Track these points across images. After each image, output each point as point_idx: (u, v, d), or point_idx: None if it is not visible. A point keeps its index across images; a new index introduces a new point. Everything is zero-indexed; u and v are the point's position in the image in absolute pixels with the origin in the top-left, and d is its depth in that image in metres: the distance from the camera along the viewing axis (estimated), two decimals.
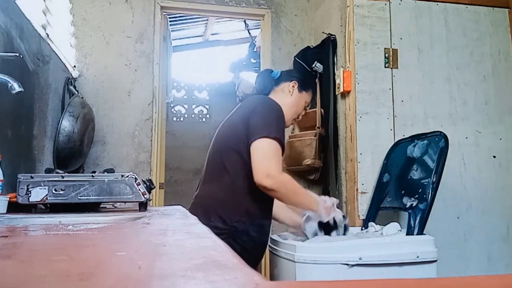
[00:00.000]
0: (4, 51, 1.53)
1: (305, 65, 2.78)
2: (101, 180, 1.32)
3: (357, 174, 2.27)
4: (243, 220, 1.47)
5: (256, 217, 1.52)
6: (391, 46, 2.40)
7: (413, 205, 1.80)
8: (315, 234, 1.59)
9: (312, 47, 2.89)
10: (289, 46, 3.07)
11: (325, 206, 1.56)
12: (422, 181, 1.82)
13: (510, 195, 2.43)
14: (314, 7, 3.12)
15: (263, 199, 1.51)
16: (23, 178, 1.29)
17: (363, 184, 2.26)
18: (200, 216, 1.33)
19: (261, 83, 1.73)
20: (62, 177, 1.32)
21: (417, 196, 1.81)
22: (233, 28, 4.96)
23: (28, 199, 1.27)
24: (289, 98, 1.68)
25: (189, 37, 5.21)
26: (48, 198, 1.28)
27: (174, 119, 5.52)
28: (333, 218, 1.59)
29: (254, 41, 4.75)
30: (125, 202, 1.40)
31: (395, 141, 2.26)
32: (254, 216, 1.51)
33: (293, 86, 1.69)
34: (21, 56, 1.63)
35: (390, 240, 1.69)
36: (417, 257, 1.58)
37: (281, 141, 1.45)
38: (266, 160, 1.40)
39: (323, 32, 2.73)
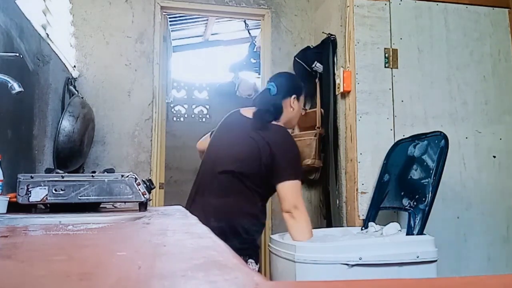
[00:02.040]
0: (4, 51, 1.53)
1: (305, 65, 2.78)
2: (101, 180, 1.32)
3: (357, 174, 2.27)
4: (256, 230, 1.68)
5: (260, 232, 1.74)
6: (391, 46, 2.40)
7: (413, 205, 1.80)
8: None
9: (312, 47, 2.89)
10: (289, 46, 3.07)
11: None
12: (422, 181, 1.82)
13: (510, 195, 2.43)
14: (314, 7, 3.12)
15: (264, 218, 1.73)
16: (23, 178, 1.29)
17: (363, 184, 2.26)
18: (225, 228, 1.56)
19: (267, 105, 1.76)
20: (62, 177, 1.32)
21: (417, 196, 1.80)
22: (233, 28, 4.96)
23: (28, 199, 1.27)
24: (292, 112, 1.80)
25: (189, 37, 5.21)
26: (48, 198, 1.28)
27: (174, 119, 5.52)
28: None
29: (254, 41, 4.75)
30: (125, 202, 1.40)
31: (395, 141, 2.26)
32: (260, 230, 1.72)
33: (293, 102, 1.79)
34: (21, 56, 1.63)
35: (390, 240, 1.69)
36: (417, 257, 1.58)
37: (302, 180, 1.69)
38: (295, 195, 1.63)
39: (323, 32, 2.73)
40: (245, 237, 1.60)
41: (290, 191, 1.63)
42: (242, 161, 1.66)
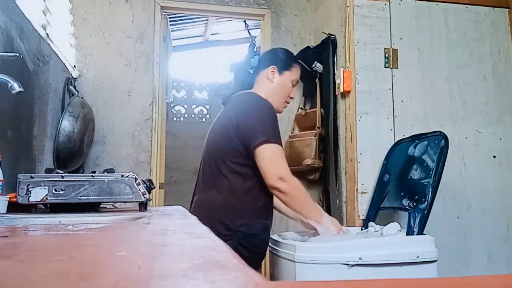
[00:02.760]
0: (4, 51, 1.53)
1: (305, 65, 2.78)
2: (101, 180, 1.32)
3: (357, 174, 2.27)
4: (246, 222, 1.47)
5: (258, 217, 1.52)
6: (391, 46, 2.40)
7: (413, 205, 1.80)
8: None
9: (312, 47, 2.89)
10: (289, 46, 3.07)
11: (331, 227, 1.56)
12: (422, 181, 1.82)
13: (510, 195, 2.43)
14: (314, 7, 3.12)
15: (262, 199, 1.52)
16: (23, 178, 1.29)
17: (363, 184, 2.26)
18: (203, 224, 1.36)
19: (239, 78, 1.68)
20: (62, 177, 1.32)
21: (417, 196, 1.80)
22: (233, 28, 4.96)
23: (28, 199, 1.27)
24: (271, 85, 1.63)
25: (189, 37, 5.21)
26: (48, 198, 1.28)
27: (174, 119, 5.52)
28: None
29: (254, 41, 4.75)
30: (125, 202, 1.40)
31: (395, 141, 2.26)
32: (256, 216, 1.51)
33: (272, 72, 1.63)
34: (21, 56, 1.63)
35: (390, 240, 1.69)
36: (417, 257, 1.58)
37: (281, 143, 1.47)
38: (275, 164, 1.43)
39: (323, 32, 2.73)
40: (228, 233, 1.43)
41: (267, 158, 1.42)
42: (215, 144, 1.53)
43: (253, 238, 1.49)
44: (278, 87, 1.64)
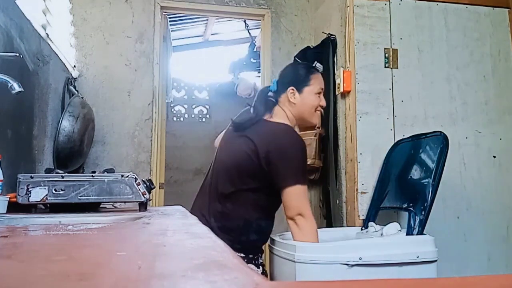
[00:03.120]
0: (4, 51, 1.53)
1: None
2: (101, 180, 1.32)
3: (357, 174, 2.27)
4: (257, 237, 1.59)
5: (266, 232, 1.65)
6: (391, 46, 2.40)
7: (413, 205, 1.80)
8: None
9: (312, 47, 2.89)
10: (289, 46, 3.07)
11: None
12: (422, 181, 1.82)
13: (510, 195, 2.43)
14: (314, 7, 3.12)
15: (272, 216, 1.65)
16: (23, 178, 1.29)
17: (363, 184, 2.26)
18: (215, 232, 1.42)
19: (260, 105, 1.66)
20: (62, 177, 1.32)
21: (417, 196, 1.80)
22: (233, 28, 4.96)
23: (28, 199, 1.27)
24: (295, 107, 1.63)
25: (189, 37, 5.21)
26: (48, 198, 1.28)
27: (174, 119, 5.52)
28: None
29: (254, 41, 4.75)
30: (125, 202, 1.40)
31: (395, 141, 2.26)
32: (265, 232, 1.64)
33: (292, 93, 1.62)
34: (21, 56, 1.63)
35: (390, 240, 1.69)
36: (417, 257, 1.58)
37: (307, 182, 1.55)
38: (299, 202, 1.51)
39: (323, 32, 2.73)
40: (238, 246, 1.53)
41: (291, 198, 1.50)
42: (237, 162, 1.56)
43: (257, 248, 1.62)
44: (302, 106, 1.63)
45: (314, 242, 1.53)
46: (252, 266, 1.54)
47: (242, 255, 1.53)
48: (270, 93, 1.68)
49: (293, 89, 1.62)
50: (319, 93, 1.65)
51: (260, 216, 1.58)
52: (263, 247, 1.67)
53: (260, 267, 1.59)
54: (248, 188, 1.55)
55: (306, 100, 1.63)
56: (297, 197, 1.50)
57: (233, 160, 1.59)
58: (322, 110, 2.64)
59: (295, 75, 1.68)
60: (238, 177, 1.55)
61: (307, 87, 1.63)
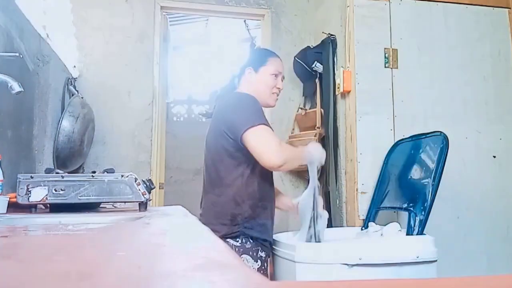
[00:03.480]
0: (4, 51, 1.53)
1: (305, 65, 2.78)
2: (101, 180, 1.32)
3: (357, 174, 2.27)
4: (250, 212, 1.54)
5: (259, 204, 1.57)
6: (391, 46, 2.40)
7: (413, 205, 1.80)
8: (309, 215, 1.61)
9: (312, 47, 2.89)
10: (289, 46, 3.07)
11: (309, 149, 1.62)
12: (422, 181, 1.82)
13: (510, 195, 2.43)
14: (314, 7, 3.12)
15: (261, 184, 1.58)
16: (23, 178, 1.29)
17: (363, 184, 2.26)
18: (211, 222, 1.45)
19: (225, 89, 1.78)
20: (62, 177, 1.32)
21: (417, 196, 1.80)
22: (233, 28, 4.96)
23: (28, 199, 1.27)
24: (251, 85, 1.68)
25: (189, 37, 5.21)
26: (48, 198, 1.28)
27: (174, 119, 5.52)
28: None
29: (254, 41, 4.75)
30: (125, 202, 1.40)
31: (395, 141, 2.26)
32: (257, 204, 1.56)
33: (249, 73, 1.69)
34: (21, 56, 1.63)
35: (390, 240, 1.69)
36: (417, 257, 1.58)
37: (266, 124, 1.50)
38: (264, 144, 1.47)
39: (323, 32, 2.73)
40: (235, 229, 1.51)
41: (255, 142, 1.46)
42: (212, 145, 1.61)
43: (259, 226, 1.55)
44: (258, 85, 1.68)
45: (294, 158, 1.54)
46: (248, 257, 1.52)
47: (238, 243, 1.51)
48: (235, 79, 1.76)
49: (250, 69, 1.70)
50: (276, 75, 1.70)
51: (250, 195, 1.55)
52: (266, 243, 1.60)
53: (259, 261, 1.54)
54: (228, 168, 1.55)
55: (262, 78, 1.68)
56: (258, 139, 1.46)
57: (209, 150, 1.63)
58: (322, 111, 2.65)
59: (253, 56, 1.79)
60: (217, 162, 1.57)
61: (263, 67, 1.69)
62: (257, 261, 1.55)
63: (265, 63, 1.70)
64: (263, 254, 1.57)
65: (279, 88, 1.71)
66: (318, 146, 1.64)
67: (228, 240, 1.51)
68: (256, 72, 1.69)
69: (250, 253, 1.53)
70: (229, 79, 1.79)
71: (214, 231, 1.43)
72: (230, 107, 1.57)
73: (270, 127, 1.53)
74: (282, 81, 1.72)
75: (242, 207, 1.53)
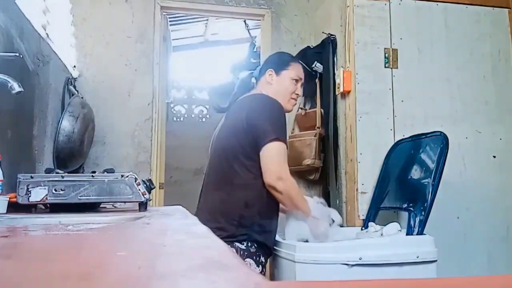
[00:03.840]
0: (4, 51, 1.53)
1: (305, 65, 2.78)
2: (101, 180, 1.32)
3: (357, 174, 2.27)
4: (259, 219, 1.53)
5: (270, 213, 1.57)
6: (391, 46, 2.40)
7: (413, 205, 1.80)
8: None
9: (312, 47, 2.89)
10: (289, 46, 3.07)
11: (315, 224, 1.59)
12: (422, 181, 1.82)
13: (510, 195, 2.43)
14: (314, 7, 3.12)
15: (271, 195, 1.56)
16: (23, 178, 1.29)
17: (363, 184, 2.26)
18: (218, 220, 1.45)
19: (242, 88, 1.76)
20: (62, 177, 1.32)
21: (417, 196, 1.80)
22: (233, 28, 4.96)
23: (28, 199, 1.27)
24: (272, 87, 1.68)
25: (189, 37, 5.21)
26: (48, 198, 1.28)
27: (174, 119, 5.52)
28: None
29: (254, 41, 4.75)
30: (125, 202, 1.40)
31: (395, 141, 2.26)
32: (268, 212, 1.56)
33: (270, 75, 1.69)
34: (21, 56, 1.63)
35: (390, 240, 1.69)
36: (417, 257, 1.58)
37: (286, 143, 1.53)
38: (278, 163, 1.49)
39: (323, 32, 2.73)
40: (242, 231, 1.50)
41: (272, 156, 1.47)
42: (228, 142, 1.59)
43: (266, 233, 1.55)
44: (278, 87, 1.69)
45: (297, 201, 1.53)
46: (251, 261, 1.51)
47: (243, 246, 1.50)
48: (253, 79, 1.76)
49: (271, 71, 1.70)
50: (297, 80, 1.72)
51: (261, 199, 1.53)
52: (268, 250, 1.59)
53: (260, 266, 1.54)
54: (243, 169, 1.53)
55: (283, 82, 1.69)
56: (276, 155, 1.48)
57: (223, 145, 1.62)
58: (322, 111, 2.65)
59: (276, 59, 1.78)
60: (232, 160, 1.55)
61: (285, 71, 1.70)
62: (258, 266, 1.54)
63: (287, 67, 1.71)
64: (263, 259, 1.57)
65: (298, 94, 1.73)
66: (324, 227, 1.60)
67: (234, 243, 1.50)
68: (278, 75, 1.69)
69: (254, 257, 1.52)
70: (246, 77, 1.77)
71: (220, 229, 1.44)
72: (258, 109, 1.56)
73: (286, 143, 1.54)
74: (301, 87, 1.74)
75: (252, 210, 1.52)
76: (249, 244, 1.51)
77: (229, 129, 1.61)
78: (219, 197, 1.58)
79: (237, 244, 1.50)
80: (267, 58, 1.86)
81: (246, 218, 1.51)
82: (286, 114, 1.65)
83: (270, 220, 1.57)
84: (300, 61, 1.81)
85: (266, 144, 1.48)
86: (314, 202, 1.62)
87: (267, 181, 1.48)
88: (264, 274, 1.60)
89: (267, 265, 1.81)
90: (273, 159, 1.48)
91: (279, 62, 1.73)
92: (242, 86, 1.78)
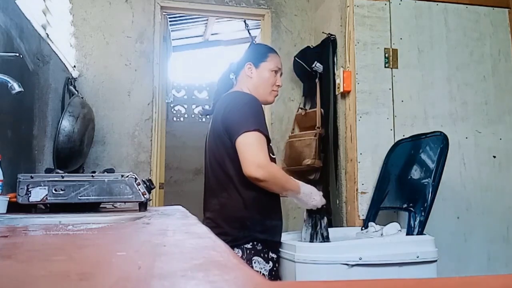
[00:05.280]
0: (4, 51, 1.53)
1: (305, 65, 2.78)
2: (101, 180, 1.32)
3: (357, 174, 2.27)
4: (260, 218, 1.51)
5: (270, 211, 1.56)
6: (391, 46, 2.40)
7: (413, 205, 1.80)
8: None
9: (312, 47, 2.89)
10: (289, 46, 3.07)
11: (307, 194, 1.57)
12: (422, 181, 1.82)
13: (510, 195, 2.43)
14: (314, 7, 3.12)
15: (268, 192, 1.53)
16: (23, 178, 1.29)
17: (363, 184, 2.26)
18: (220, 226, 1.44)
19: (221, 85, 1.75)
20: (62, 177, 1.32)
21: (417, 196, 1.80)
22: (233, 28, 4.96)
23: (28, 199, 1.27)
24: (251, 80, 1.66)
25: (189, 37, 5.21)
26: (48, 198, 1.28)
27: (174, 119, 5.52)
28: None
29: (254, 41, 4.75)
30: (125, 202, 1.40)
31: (395, 141, 2.26)
32: (268, 210, 1.54)
33: (249, 68, 1.67)
34: (21, 56, 1.63)
35: (390, 240, 1.69)
36: (417, 257, 1.58)
37: (261, 131, 1.47)
38: (252, 152, 1.43)
39: (323, 32, 2.73)
40: (245, 233, 1.48)
41: (242, 147, 1.42)
42: (214, 147, 1.57)
43: (269, 230, 1.53)
44: (258, 80, 1.67)
45: (284, 183, 1.50)
46: (260, 259, 1.49)
47: (249, 246, 1.48)
48: (231, 75, 1.74)
49: (250, 64, 1.68)
50: (276, 71, 1.69)
51: (257, 198, 1.51)
52: (277, 245, 1.57)
53: (270, 262, 1.51)
54: (234, 171, 1.50)
55: (262, 74, 1.67)
56: (249, 144, 1.42)
57: (211, 151, 1.60)
58: (322, 111, 2.64)
59: (253, 52, 1.74)
60: (221, 164, 1.54)
61: (264, 63, 1.68)
62: (268, 262, 1.52)
63: (265, 59, 1.69)
64: (274, 255, 1.54)
65: (278, 86, 1.71)
66: (318, 195, 1.58)
67: (240, 246, 1.48)
68: (257, 67, 1.67)
69: (262, 254, 1.50)
70: (224, 74, 1.76)
71: (223, 234, 1.43)
72: (229, 107, 1.54)
73: (267, 133, 1.49)
74: (280, 77, 1.71)
75: (251, 211, 1.50)
76: (255, 243, 1.49)
77: (212, 132, 1.61)
78: (218, 202, 1.57)
79: (243, 245, 1.49)
80: (244, 51, 1.81)
81: (246, 220, 1.50)
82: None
83: (271, 216, 1.55)
84: (276, 51, 1.77)
85: (237, 139, 1.44)
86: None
87: (246, 173, 1.42)
88: (277, 269, 1.57)
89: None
90: (247, 149, 1.42)
91: (257, 54, 1.71)
92: (222, 83, 1.76)
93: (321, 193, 1.61)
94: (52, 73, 2.17)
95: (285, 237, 1.73)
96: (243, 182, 1.50)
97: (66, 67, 2.49)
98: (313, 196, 1.57)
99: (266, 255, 1.51)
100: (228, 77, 1.74)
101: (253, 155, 1.42)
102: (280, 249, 1.66)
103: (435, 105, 2.41)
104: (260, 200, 1.52)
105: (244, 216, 1.50)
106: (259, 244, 1.50)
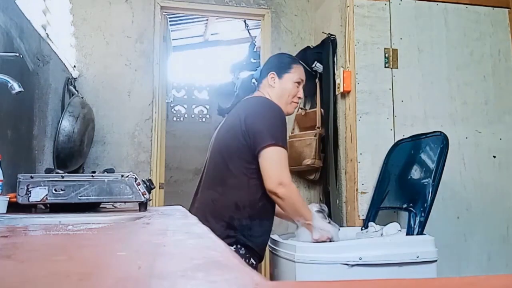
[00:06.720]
0: (4, 51, 1.53)
1: (305, 65, 2.78)
2: (101, 180, 1.32)
3: (357, 174, 2.27)
4: (249, 222, 1.50)
5: (261, 218, 1.54)
6: (391, 46, 2.40)
7: (413, 205, 1.80)
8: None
9: (312, 47, 2.89)
10: (289, 46, 3.07)
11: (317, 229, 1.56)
12: (422, 181, 1.82)
13: (510, 195, 2.43)
14: (314, 7, 3.12)
15: (265, 199, 1.53)
16: (23, 178, 1.29)
17: (363, 184, 2.26)
18: (207, 220, 1.41)
19: (243, 90, 1.75)
20: (62, 177, 1.32)
21: (417, 196, 1.80)
22: (233, 28, 4.96)
23: (28, 199, 1.27)
24: (274, 90, 1.68)
25: (189, 37, 5.21)
26: (48, 198, 1.28)
27: (174, 119, 5.52)
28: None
29: (254, 41, 4.75)
30: (125, 202, 1.40)
31: (395, 141, 2.26)
32: (259, 216, 1.53)
33: (272, 77, 1.68)
34: (21, 56, 1.63)
35: (390, 240, 1.69)
36: (417, 257, 1.58)
37: (286, 148, 1.50)
38: (278, 168, 1.46)
39: (323, 32, 2.73)
40: (231, 233, 1.47)
41: (271, 161, 1.45)
42: (225, 143, 1.57)
43: (255, 238, 1.51)
44: (280, 91, 1.68)
45: (300, 207, 1.51)
46: None
47: (233, 248, 1.46)
48: (253, 80, 1.75)
49: (273, 74, 1.69)
50: (298, 83, 1.71)
51: (252, 204, 1.51)
52: (259, 253, 1.55)
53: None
54: (238, 171, 1.51)
55: (285, 85, 1.68)
56: (275, 161, 1.46)
57: (220, 145, 1.60)
58: (322, 111, 2.64)
59: (278, 62, 1.75)
60: (227, 160, 1.53)
61: (287, 74, 1.69)
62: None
63: (289, 70, 1.69)
64: (254, 261, 1.53)
65: (299, 97, 1.72)
66: (326, 237, 1.55)
67: None
68: (280, 78, 1.68)
69: (243, 259, 1.47)
70: (246, 79, 1.77)
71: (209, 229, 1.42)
72: (257, 113, 1.54)
73: (286, 147, 1.52)
74: (302, 88, 1.73)
75: (242, 213, 1.49)
76: (238, 247, 1.48)
77: (228, 130, 1.60)
78: (211, 196, 1.55)
79: None
80: (267, 59, 1.83)
81: (235, 220, 1.48)
82: (286, 116, 1.63)
83: (261, 224, 1.53)
84: (301, 62, 1.78)
85: (264, 149, 1.46)
86: (314, 209, 1.59)
87: (268, 187, 1.46)
88: None
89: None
90: (273, 165, 1.46)
91: (281, 64, 1.72)
92: (243, 88, 1.76)
93: (333, 235, 1.57)
94: (52, 73, 2.17)
95: (284, 237, 1.74)
96: (243, 183, 1.50)
97: (66, 67, 2.49)
98: (322, 233, 1.55)
99: (247, 260, 1.49)
100: (250, 82, 1.75)
101: (277, 171, 1.46)
102: (275, 248, 1.66)
103: (435, 105, 2.41)
104: (254, 206, 1.51)
105: (234, 217, 1.49)
106: (243, 249, 1.49)
